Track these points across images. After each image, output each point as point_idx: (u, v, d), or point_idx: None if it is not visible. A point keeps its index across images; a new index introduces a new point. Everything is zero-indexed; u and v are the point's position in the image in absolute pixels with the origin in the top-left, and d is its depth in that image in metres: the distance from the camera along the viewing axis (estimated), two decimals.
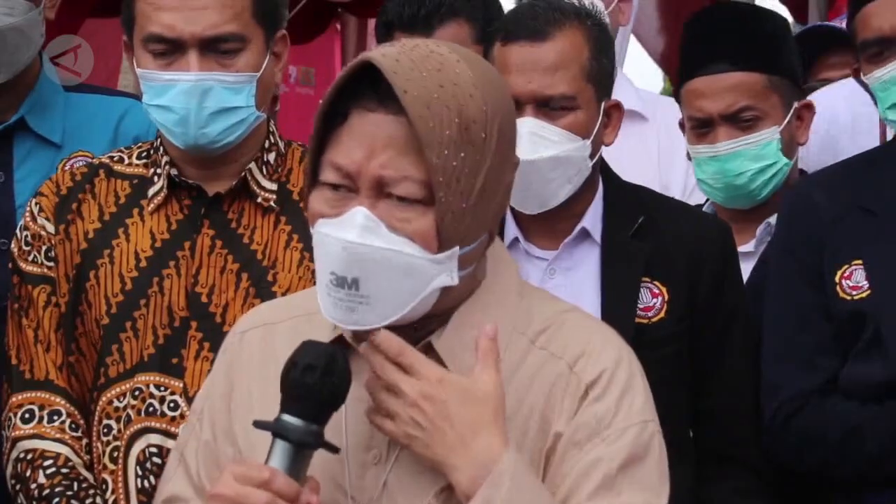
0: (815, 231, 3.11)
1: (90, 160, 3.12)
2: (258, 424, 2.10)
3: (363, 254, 2.06)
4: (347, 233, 2.07)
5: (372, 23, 7.60)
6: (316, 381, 2.08)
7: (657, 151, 4.20)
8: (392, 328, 2.12)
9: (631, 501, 2.12)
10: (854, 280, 3.04)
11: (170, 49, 2.85)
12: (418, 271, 2.08)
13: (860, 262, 3.04)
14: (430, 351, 2.16)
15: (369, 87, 2.09)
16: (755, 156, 3.44)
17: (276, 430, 2.09)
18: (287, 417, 2.09)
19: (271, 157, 2.97)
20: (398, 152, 2.07)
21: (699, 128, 3.48)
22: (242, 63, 2.88)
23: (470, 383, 2.10)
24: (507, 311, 2.20)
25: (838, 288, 3.05)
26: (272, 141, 2.99)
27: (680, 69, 3.57)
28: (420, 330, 2.17)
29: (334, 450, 2.10)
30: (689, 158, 3.58)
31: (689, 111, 3.49)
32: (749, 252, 3.47)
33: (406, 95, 2.05)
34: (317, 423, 2.09)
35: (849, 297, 3.04)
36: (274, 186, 2.94)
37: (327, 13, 6.95)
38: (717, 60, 3.43)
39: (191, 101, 2.84)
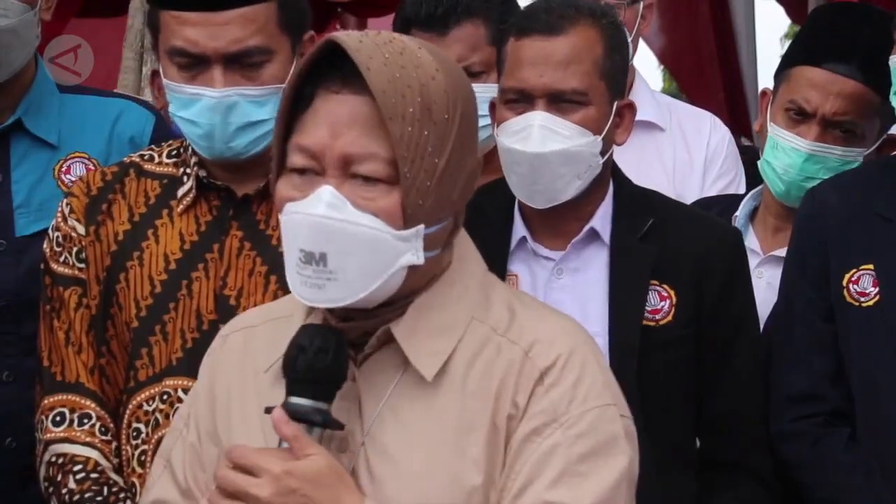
0: (824, 233, 3.08)
1: (91, 160, 3.09)
2: (269, 411, 2.12)
3: (330, 227, 2.09)
4: (315, 209, 2.10)
5: (371, 23, 7.61)
6: (315, 359, 2.12)
7: (673, 162, 4.17)
8: (353, 312, 2.16)
9: (598, 485, 2.10)
10: (861, 286, 3.02)
11: (194, 62, 2.82)
12: (385, 247, 2.11)
13: (870, 266, 3.01)
14: (390, 340, 2.18)
15: (333, 69, 2.13)
16: (835, 169, 3.37)
17: (291, 411, 2.11)
18: (295, 399, 2.12)
19: None
20: (363, 130, 2.10)
21: (797, 115, 3.41)
22: (268, 75, 2.84)
23: (311, 463, 2.10)
24: (468, 300, 2.22)
25: (845, 292, 3.04)
26: None
27: (805, 42, 3.46)
28: (379, 317, 2.19)
29: (340, 426, 2.14)
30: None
31: (793, 95, 3.41)
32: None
33: (370, 72, 2.08)
34: (325, 401, 2.13)
35: (856, 304, 3.02)
36: None
37: (327, 13, 6.96)
38: (850, 63, 3.33)
39: (215, 116, 2.82)
